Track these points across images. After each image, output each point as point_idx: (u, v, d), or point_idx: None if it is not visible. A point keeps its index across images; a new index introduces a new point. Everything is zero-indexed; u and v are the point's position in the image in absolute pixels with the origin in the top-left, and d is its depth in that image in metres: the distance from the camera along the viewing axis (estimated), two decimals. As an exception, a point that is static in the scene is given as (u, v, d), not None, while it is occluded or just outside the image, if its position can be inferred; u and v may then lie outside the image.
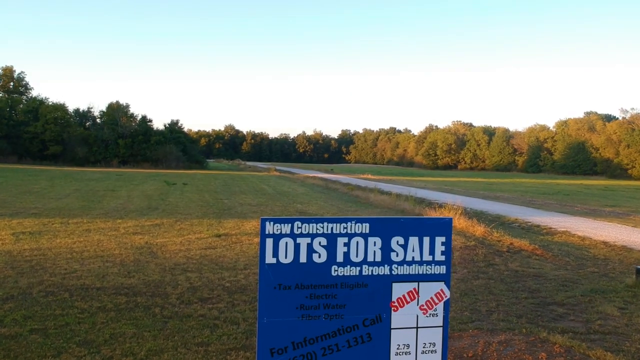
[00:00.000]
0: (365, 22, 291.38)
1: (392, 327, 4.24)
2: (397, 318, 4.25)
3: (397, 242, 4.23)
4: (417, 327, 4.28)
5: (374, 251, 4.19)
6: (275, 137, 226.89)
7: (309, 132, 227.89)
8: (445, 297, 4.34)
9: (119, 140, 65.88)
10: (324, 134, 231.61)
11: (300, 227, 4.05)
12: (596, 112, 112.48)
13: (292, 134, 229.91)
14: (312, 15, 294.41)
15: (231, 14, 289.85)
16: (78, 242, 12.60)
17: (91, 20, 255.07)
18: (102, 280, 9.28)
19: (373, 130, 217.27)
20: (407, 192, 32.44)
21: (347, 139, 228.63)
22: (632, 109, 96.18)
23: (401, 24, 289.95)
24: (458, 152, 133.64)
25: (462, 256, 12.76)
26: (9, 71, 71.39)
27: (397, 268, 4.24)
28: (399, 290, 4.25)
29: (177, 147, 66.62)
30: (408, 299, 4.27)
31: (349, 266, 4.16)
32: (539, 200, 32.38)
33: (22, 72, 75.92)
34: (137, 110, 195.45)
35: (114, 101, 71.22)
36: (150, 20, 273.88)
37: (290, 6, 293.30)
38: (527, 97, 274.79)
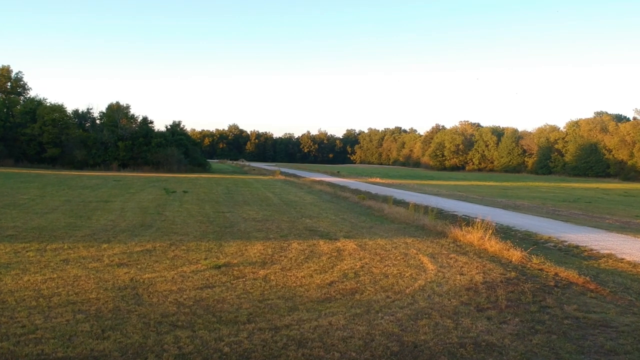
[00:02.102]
0: (371, 20, 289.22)
1: None
2: None
3: None
4: None
5: None
6: (279, 137, 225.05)
7: (314, 132, 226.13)
8: None
9: (119, 143, 63.81)
10: (328, 133, 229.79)
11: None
12: (607, 112, 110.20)
13: (297, 134, 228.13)
14: (316, 14, 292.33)
15: (235, 12, 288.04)
16: (50, 279, 10.59)
17: (91, 19, 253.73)
18: (66, 345, 7.27)
19: (378, 130, 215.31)
20: (422, 200, 30.42)
21: (352, 139, 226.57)
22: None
23: (407, 23, 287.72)
24: (466, 153, 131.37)
25: (507, 295, 10.71)
26: (5, 71, 69.51)
27: None
28: None
29: (178, 150, 64.55)
30: None
31: None
32: (563, 210, 30.28)
33: (19, 71, 74.12)
34: (138, 111, 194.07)
35: (114, 102, 69.33)
36: (153, 18, 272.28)
37: (294, 4, 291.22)
38: (536, 97, 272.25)
